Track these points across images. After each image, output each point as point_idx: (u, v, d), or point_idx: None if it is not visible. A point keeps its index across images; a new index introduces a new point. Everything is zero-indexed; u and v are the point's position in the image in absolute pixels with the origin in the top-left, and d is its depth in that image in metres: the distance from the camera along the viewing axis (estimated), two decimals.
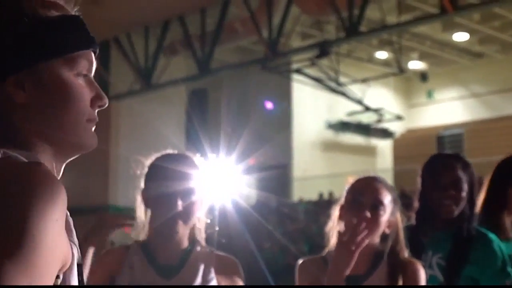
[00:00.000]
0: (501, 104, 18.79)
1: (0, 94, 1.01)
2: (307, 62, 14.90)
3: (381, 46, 17.66)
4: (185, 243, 2.16)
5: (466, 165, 2.81)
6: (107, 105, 1.12)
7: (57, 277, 0.92)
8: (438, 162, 2.85)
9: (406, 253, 2.38)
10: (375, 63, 19.03)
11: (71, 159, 1.11)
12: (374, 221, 2.28)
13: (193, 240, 2.19)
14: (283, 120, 18.05)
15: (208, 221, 2.19)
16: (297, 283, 2.41)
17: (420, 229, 2.79)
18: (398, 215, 2.39)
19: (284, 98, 18.09)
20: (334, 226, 2.41)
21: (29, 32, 1.01)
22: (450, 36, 17.16)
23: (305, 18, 14.49)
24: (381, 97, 19.90)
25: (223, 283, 2.16)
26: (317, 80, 16.47)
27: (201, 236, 2.20)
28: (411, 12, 14.37)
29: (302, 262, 2.45)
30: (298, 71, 15.94)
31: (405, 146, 19.22)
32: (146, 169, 2.17)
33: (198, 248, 2.18)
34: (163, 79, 13.73)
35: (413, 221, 2.85)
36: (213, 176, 2.19)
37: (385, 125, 20.18)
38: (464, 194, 2.74)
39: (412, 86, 21.39)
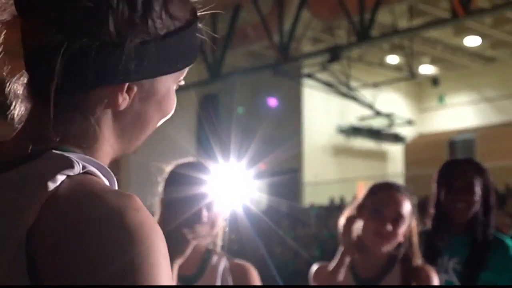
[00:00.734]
0: None
1: (104, 95, 0.90)
2: (318, 67, 14.90)
3: (393, 50, 17.63)
4: (203, 252, 2.16)
5: (480, 170, 2.81)
6: None
7: None
8: (451, 167, 2.87)
9: (419, 259, 2.39)
10: (386, 68, 19.00)
11: None
12: (394, 233, 2.33)
13: (209, 248, 2.19)
14: (294, 125, 18.04)
15: (227, 229, 2.19)
16: None
17: (436, 234, 2.81)
18: (414, 222, 2.41)
19: (295, 102, 18.08)
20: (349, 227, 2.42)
21: (170, 40, 0.93)
22: (461, 41, 17.09)
23: (316, 23, 14.50)
24: (392, 101, 19.86)
25: None
26: (328, 84, 16.46)
27: (218, 244, 2.19)
28: (423, 16, 14.34)
29: (317, 268, 2.46)
30: (309, 75, 15.95)
31: (417, 151, 19.13)
32: (166, 175, 2.16)
33: (215, 256, 2.18)
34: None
35: (429, 226, 2.86)
36: (224, 181, 2.18)
37: (397, 130, 20.12)
38: (476, 198, 2.75)
39: (423, 90, 21.32)
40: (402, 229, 2.36)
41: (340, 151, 19.14)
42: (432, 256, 2.65)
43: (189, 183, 2.07)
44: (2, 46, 0.96)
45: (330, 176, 17.92)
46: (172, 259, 2.10)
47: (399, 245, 2.38)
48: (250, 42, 14.32)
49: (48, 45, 0.84)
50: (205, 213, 2.06)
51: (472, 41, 17.04)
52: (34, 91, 0.92)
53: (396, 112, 19.59)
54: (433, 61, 19.06)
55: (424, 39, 16.61)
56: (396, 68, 18.56)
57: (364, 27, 11.12)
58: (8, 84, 0.97)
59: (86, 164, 0.87)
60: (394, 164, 20.22)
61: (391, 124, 19.74)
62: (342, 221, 2.45)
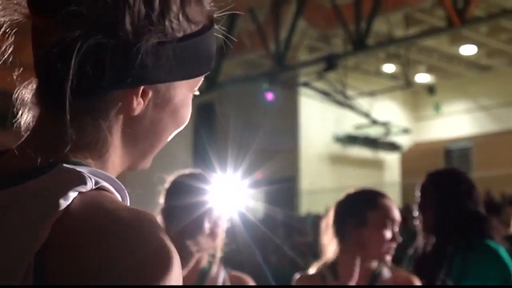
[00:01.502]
0: (510, 117, 18.72)
1: (119, 97, 0.87)
2: (314, 76, 14.93)
3: (389, 59, 17.67)
4: (203, 263, 2.16)
5: (432, 181, 2.87)
6: None
7: None
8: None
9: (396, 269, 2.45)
10: (383, 76, 19.05)
11: None
12: (396, 240, 2.37)
13: (209, 259, 2.19)
14: (290, 134, 18.05)
15: (226, 241, 2.19)
16: None
17: (428, 244, 2.83)
18: None
19: (292, 111, 18.09)
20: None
21: (188, 43, 0.90)
22: (457, 49, 17.15)
23: (312, 32, 14.53)
24: (388, 110, 19.89)
25: None
26: (324, 93, 16.49)
27: (218, 255, 2.19)
28: (419, 25, 14.39)
29: (299, 278, 2.48)
30: (306, 84, 15.97)
31: (413, 159, 19.16)
32: (168, 186, 2.16)
33: (215, 268, 2.18)
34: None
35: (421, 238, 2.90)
36: (221, 190, 2.19)
37: (393, 138, 20.15)
38: (419, 213, 2.85)
39: (419, 99, 21.36)
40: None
41: (336, 160, 19.15)
42: (427, 269, 2.68)
43: (191, 194, 2.07)
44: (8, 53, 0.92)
45: (327, 184, 17.91)
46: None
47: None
48: (246, 51, 14.34)
49: (64, 40, 0.82)
50: (207, 224, 2.06)
51: (468, 49, 17.10)
52: (44, 97, 0.89)
53: (392, 120, 19.62)
54: (429, 70, 19.11)
55: (420, 48, 16.66)
56: (392, 76, 18.60)
57: (360, 36, 11.16)
58: (16, 91, 0.94)
59: (99, 180, 0.83)
60: (391, 172, 20.24)
61: (387, 133, 19.76)
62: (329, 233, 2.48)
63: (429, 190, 2.85)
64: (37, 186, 0.79)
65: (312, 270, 2.51)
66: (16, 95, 0.93)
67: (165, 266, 0.75)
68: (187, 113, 0.97)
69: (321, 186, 17.73)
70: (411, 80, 17.77)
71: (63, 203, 0.77)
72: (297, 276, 2.52)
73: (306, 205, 17.09)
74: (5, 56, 0.93)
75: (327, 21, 12.71)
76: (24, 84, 0.93)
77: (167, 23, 0.87)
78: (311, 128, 18.42)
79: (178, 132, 1.04)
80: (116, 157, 0.91)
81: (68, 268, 0.74)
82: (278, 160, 14.69)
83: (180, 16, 0.89)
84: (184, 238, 2.04)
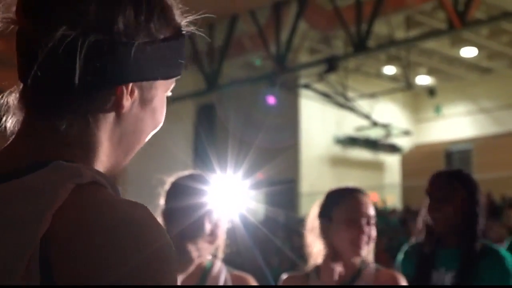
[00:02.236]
0: (510, 120, 18.73)
1: (111, 94, 0.91)
2: (315, 77, 14.92)
3: (389, 61, 17.67)
4: (204, 263, 2.16)
5: (465, 182, 2.80)
6: None
7: None
8: (433, 178, 2.88)
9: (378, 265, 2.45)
10: (383, 78, 19.04)
11: None
12: (370, 238, 2.38)
13: (210, 259, 2.19)
14: (291, 135, 18.04)
15: (228, 241, 2.19)
16: None
17: (424, 245, 2.82)
18: None
19: (292, 113, 18.09)
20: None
21: (168, 44, 0.95)
22: (458, 52, 17.15)
23: (313, 33, 14.53)
24: (389, 112, 19.89)
25: None
26: (325, 95, 16.49)
27: (219, 255, 2.19)
28: (419, 27, 14.39)
29: (286, 278, 2.50)
30: (306, 86, 15.97)
31: (413, 161, 19.15)
32: (168, 187, 2.16)
33: (216, 268, 2.18)
34: (171, 95, 13.75)
35: (419, 238, 2.88)
36: (222, 192, 2.19)
37: (393, 140, 20.14)
38: (452, 209, 2.73)
39: (420, 101, 21.36)
40: (375, 231, 2.38)
41: (337, 162, 19.14)
42: (425, 268, 2.66)
43: (191, 196, 2.07)
44: None
45: (327, 186, 17.55)
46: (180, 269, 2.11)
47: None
48: (247, 52, 14.34)
49: (63, 40, 0.85)
50: (207, 225, 2.06)
51: (469, 52, 17.11)
52: (32, 98, 0.91)
53: (393, 122, 19.62)
54: (429, 72, 19.11)
55: (420, 50, 16.66)
56: (393, 78, 18.59)
57: (361, 38, 11.16)
58: (1, 96, 0.95)
59: (94, 174, 0.86)
60: (391, 174, 20.23)
61: (388, 135, 19.76)
62: (312, 234, 2.49)
63: (456, 186, 2.78)
64: (35, 180, 0.82)
65: (302, 271, 2.54)
66: (1, 100, 0.95)
67: (164, 254, 0.82)
68: (163, 114, 1.01)
69: (322, 188, 17.63)
70: (412, 82, 17.76)
71: (63, 194, 0.80)
72: (284, 276, 2.54)
73: (307, 207, 17.07)
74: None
75: (328, 23, 12.71)
76: (11, 89, 0.95)
77: (151, 25, 0.93)
78: (311, 130, 18.41)
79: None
80: (104, 155, 0.94)
81: (72, 251, 0.77)
82: (279, 161, 14.69)
83: (162, 20, 0.95)
84: (184, 240, 2.04)
